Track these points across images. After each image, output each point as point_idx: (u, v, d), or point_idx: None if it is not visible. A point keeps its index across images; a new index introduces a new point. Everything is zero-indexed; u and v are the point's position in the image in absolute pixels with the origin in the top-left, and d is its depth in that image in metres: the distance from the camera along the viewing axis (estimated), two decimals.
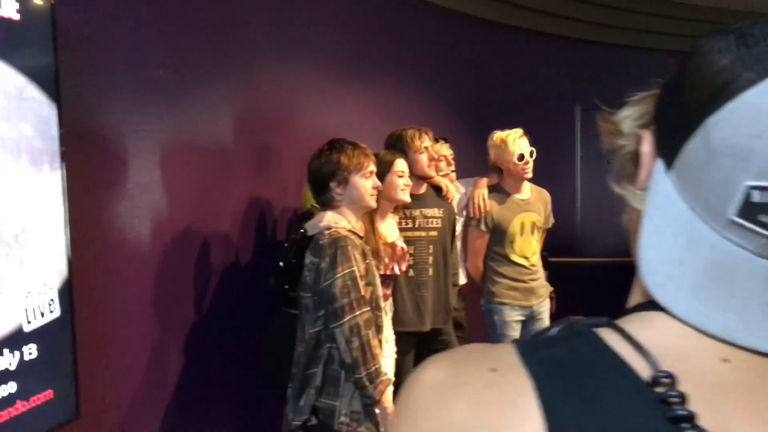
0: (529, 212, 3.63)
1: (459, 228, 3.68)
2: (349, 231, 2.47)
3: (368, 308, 2.40)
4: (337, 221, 2.48)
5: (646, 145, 0.56)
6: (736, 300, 0.49)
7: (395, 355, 2.94)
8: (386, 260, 2.91)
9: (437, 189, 3.45)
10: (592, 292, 4.88)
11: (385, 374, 2.45)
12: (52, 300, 1.94)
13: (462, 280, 3.82)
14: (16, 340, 1.80)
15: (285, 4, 3.58)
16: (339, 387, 2.41)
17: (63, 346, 2.00)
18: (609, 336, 0.53)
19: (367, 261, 2.47)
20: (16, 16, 1.79)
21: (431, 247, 3.34)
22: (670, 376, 0.48)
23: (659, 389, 0.48)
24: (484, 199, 3.56)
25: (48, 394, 1.94)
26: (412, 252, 3.25)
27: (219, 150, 3.16)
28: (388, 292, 3.02)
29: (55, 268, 1.97)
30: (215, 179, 3.12)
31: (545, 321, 3.71)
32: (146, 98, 2.76)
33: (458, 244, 3.69)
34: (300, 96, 3.66)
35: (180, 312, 2.96)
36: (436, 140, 3.53)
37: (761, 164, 0.46)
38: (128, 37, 2.69)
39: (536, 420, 0.49)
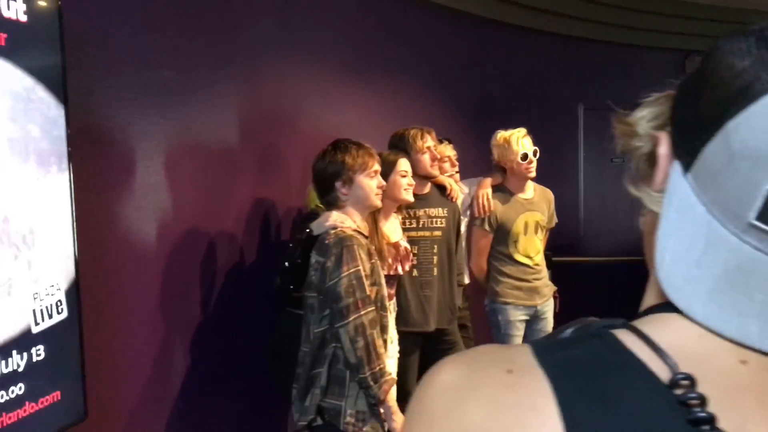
0: (533, 212, 3.63)
1: (463, 228, 3.68)
2: (355, 230, 2.47)
3: (373, 308, 2.40)
4: (343, 221, 2.48)
5: (664, 147, 0.55)
6: (754, 304, 0.49)
7: (398, 355, 2.94)
8: (390, 260, 2.91)
9: (441, 188, 3.45)
10: (595, 292, 4.89)
11: (390, 374, 2.45)
12: (59, 301, 1.94)
13: (466, 279, 3.82)
14: (24, 341, 1.80)
15: (289, 6, 3.58)
16: (344, 387, 2.41)
17: (70, 347, 2.00)
18: (626, 337, 0.53)
19: (373, 261, 2.48)
20: (24, 18, 1.79)
21: (435, 246, 3.34)
22: (689, 378, 0.48)
23: (678, 391, 0.48)
24: (488, 199, 3.56)
25: (55, 395, 1.94)
26: (416, 252, 3.25)
27: (224, 150, 3.17)
28: (392, 291, 3.02)
29: (63, 269, 1.98)
30: (220, 180, 3.13)
31: (549, 320, 3.71)
32: (152, 99, 2.77)
33: (463, 243, 3.70)
34: (304, 97, 3.67)
35: (186, 312, 2.97)
36: (440, 141, 3.53)
37: None
38: (134, 38, 2.69)
39: (554, 422, 0.49)
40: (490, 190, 3.59)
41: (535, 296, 3.64)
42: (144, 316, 2.76)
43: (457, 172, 3.74)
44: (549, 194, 3.77)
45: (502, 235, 3.59)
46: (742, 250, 0.49)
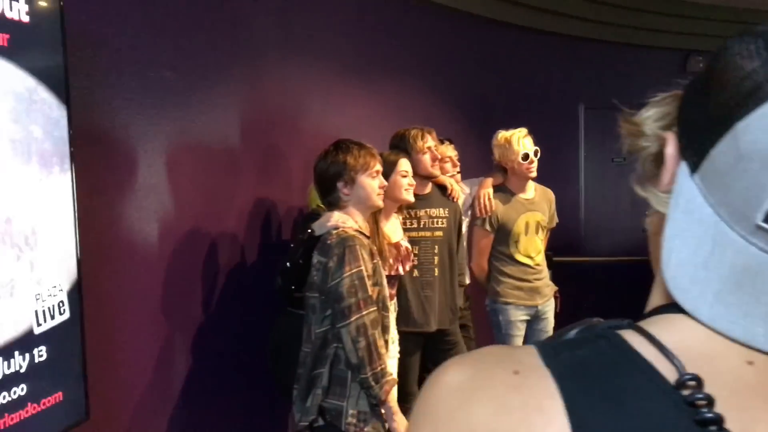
0: (534, 212, 3.64)
1: (464, 228, 3.68)
2: (357, 231, 2.47)
3: (375, 308, 2.39)
4: (344, 221, 2.48)
5: (671, 148, 0.55)
6: (760, 305, 0.49)
7: (399, 356, 2.94)
8: (390, 260, 2.91)
9: (442, 189, 3.45)
10: (596, 292, 4.89)
11: (391, 374, 2.45)
12: (61, 302, 1.94)
13: (466, 280, 3.82)
14: (26, 342, 1.80)
15: (290, 6, 3.59)
16: (346, 387, 2.41)
17: (72, 348, 2.00)
18: (632, 338, 0.53)
19: (375, 261, 2.48)
20: (26, 18, 1.79)
21: (436, 247, 3.34)
22: (695, 378, 0.48)
23: (685, 392, 0.48)
24: (490, 199, 3.56)
25: (58, 396, 1.94)
26: (416, 252, 3.25)
27: (225, 151, 3.17)
28: (393, 292, 3.02)
29: (65, 270, 1.98)
30: (221, 180, 3.13)
31: (550, 320, 3.71)
32: (154, 99, 2.77)
33: (464, 244, 3.70)
34: (305, 97, 3.67)
35: (187, 313, 2.97)
36: (441, 141, 3.53)
37: None
38: (136, 39, 2.70)
39: (561, 423, 0.49)
40: (491, 190, 3.59)
41: (535, 296, 3.64)
42: (145, 316, 2.76)
43: (458, 173, 3.74)
44: (550, 194, 3.77)
45: (503, 235, 3.59)
46: (748, 252, 0.49)
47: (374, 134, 3.37)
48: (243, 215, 3.26)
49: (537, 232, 3.63)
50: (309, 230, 2.56)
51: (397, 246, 3.01)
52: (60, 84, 1.93)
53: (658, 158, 0.57)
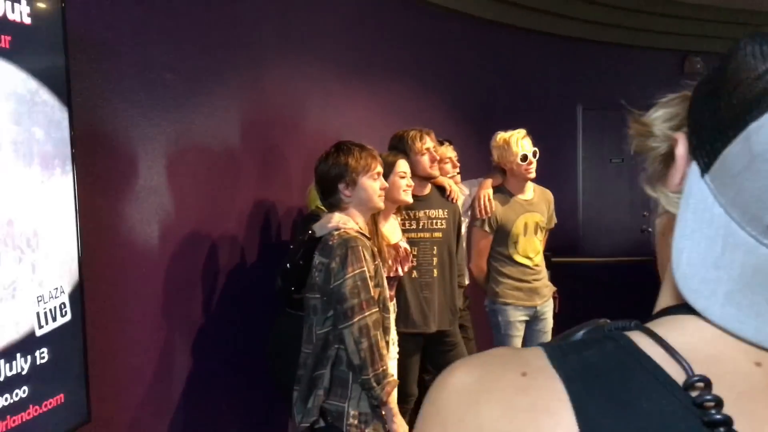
0: (533, 212, 3.64)
1: (464, 229, 3.68)
2: (358, 232, 2.47)
3: (377, 309, 2.39)
4: (345, 222, 2.48)
5: (681, 148, 0.55)
6: None
7: (397, 356, 2.94)
8: (389, 261, 2.91)
9: (442, 190, 3.45)
10: (594, 292, 4.89)
11: (392, 375, 2.45)
12: (63, 304, 1.94)
13: (465, 281, 3.82)
14: (28, 344, 1.80)
15: (290, 8, 3.59)
16: (347, 388, 2.40)
17: (74, 349, 2.00)
18: (640, 339, 0.52)
19: (376, 262, 2.48)
20: (28, 20, 1.79)
21: (436, 248, 3.34)
22: (704, 380, 0.48)
23: (693, 393, 0.48)
24: (490, 200, 3.56)
25: (59, 398, 1.94)
26: (416, 253, 3.25)
27: (226, 152, 3.17)
28: (392, 293, 3.02)
29: (67, 272, 1.98)
30: (222, 181, 3.13)
31: (549, 321, 3.72)
32: (155, 101, 2.78)
33: (463, 244, 3.70)
34: (305, 98, 3.67)
35: (188, 314, 2.97)
36: (441, 142, 3.53)
37: None
38: (138, 41, 2.70)
39: (569, 424, 0.49)
40: (491, 191, 3.59)
41: (534, 297, 3.64)
42: (147, 318, 2.76)
43: (458, 173, 3.75)
44: (548, 195, 3.77)
45: (502, 236, 3.59)
46: (759, 252, 0.49)
47: (374, 135, 3.38)
48: (243, 216, 3.26)
49: (536, 233, 3.64)
50: (309, 231, 2.55)
51: (396, 247, 3.01)
52: (61, 86, 1.93)
53: (667, 159, 0.57)
